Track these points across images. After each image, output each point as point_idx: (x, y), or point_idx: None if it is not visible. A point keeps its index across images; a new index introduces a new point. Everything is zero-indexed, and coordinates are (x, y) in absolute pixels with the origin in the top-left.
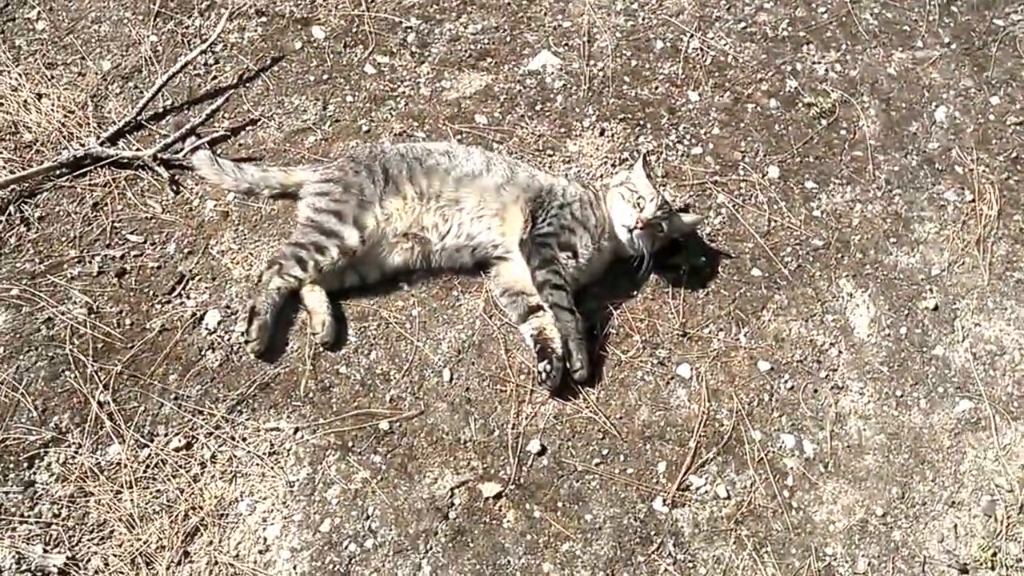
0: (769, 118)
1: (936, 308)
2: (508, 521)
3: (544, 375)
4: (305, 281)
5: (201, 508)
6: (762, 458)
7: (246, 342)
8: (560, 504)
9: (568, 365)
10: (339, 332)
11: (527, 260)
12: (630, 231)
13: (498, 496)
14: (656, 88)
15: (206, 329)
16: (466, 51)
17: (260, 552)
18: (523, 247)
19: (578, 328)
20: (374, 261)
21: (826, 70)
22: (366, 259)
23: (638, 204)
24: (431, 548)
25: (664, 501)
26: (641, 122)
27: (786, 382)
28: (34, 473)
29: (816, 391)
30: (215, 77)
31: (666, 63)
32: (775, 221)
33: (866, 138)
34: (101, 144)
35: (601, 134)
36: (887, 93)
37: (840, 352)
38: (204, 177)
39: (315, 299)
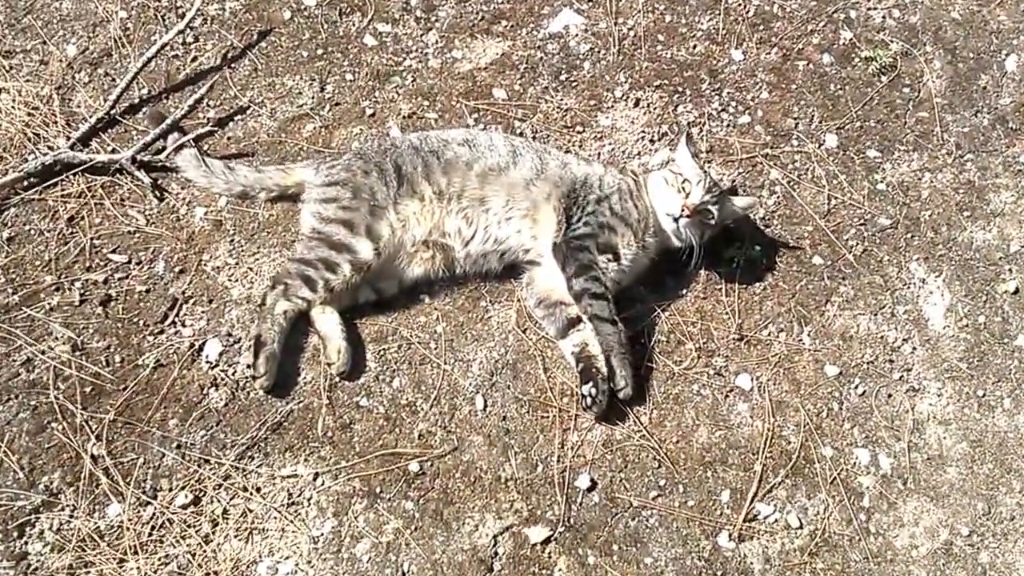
0: (823, 77)
1: (1017, 291)
2: (560, 570)
3: (589, 400)
4: (315, 302)
5: (217, 574)
6: (835, 478)
7: (253, 377)
8: (616, 547)
9: (612, 384)
10: (356, 359)
11: (562, 267)
12: (676, 220)
13: (547, 541)
14: (694, 47)
15: (206, 362)
16: (478, 13)
17: None
18: (556, 252)
19: (621, 341)
20: (391, 274)
21: (883, 17)
22: (382, 272)
23: (683, 189)
24: None
25: (730, 535)
26: (679, 88)
27: (856, 387)
28: (26, 543)
29: (890, 396)
30: (195, 58)
31: (704, 17)
32: (836, 198)
33: (932, 96)
34: (72, 147)
35: (635, 105)
36: (952, 42)
37: (914, 349)
38: (191, 180)
39: (328, 323)
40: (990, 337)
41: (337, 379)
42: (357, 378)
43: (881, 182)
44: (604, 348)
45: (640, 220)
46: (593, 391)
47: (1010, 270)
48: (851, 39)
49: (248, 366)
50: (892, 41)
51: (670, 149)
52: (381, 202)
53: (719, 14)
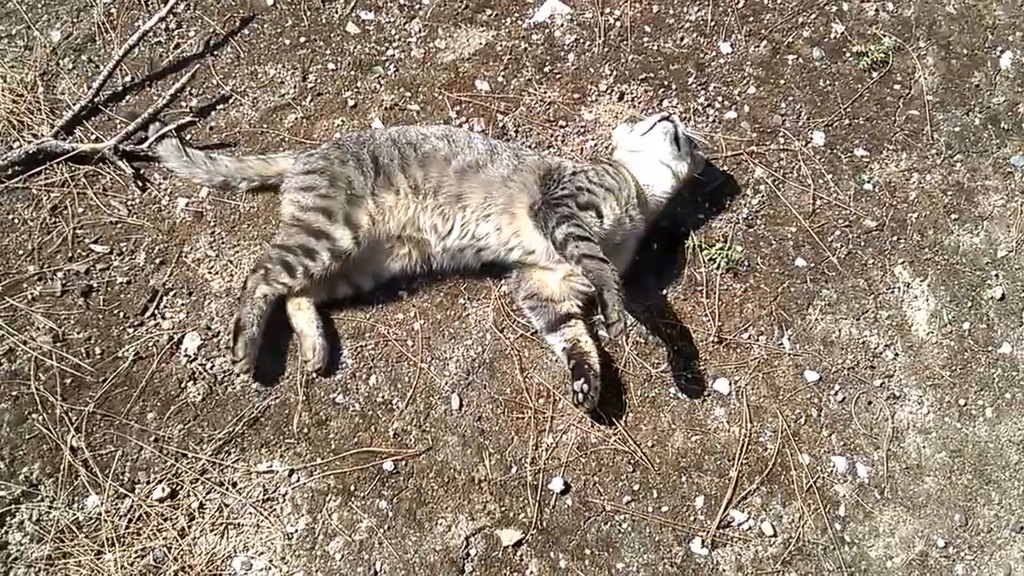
0: (812, 72)
1: (1003, 297)
2: (531, 573)
3: (581, 396)
4: (295, 288)
5: (192, 568)
6: (811, 486)
7: (233, 362)
8: (588, 551)
9: (604, 317)
10: (333, 355)
11: (543, 225)
12: (674, 138)
13: (519, 544)
14: (682, 39)
15: (185, 356)
16: (462, 1)
17: None
18: (535, 215)
19: (615, 278)
20: (368, 269)
21: (876, 10)
22: (359, 266)
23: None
24: None
25: (703, 542)
26: (665, 82)
27: (836, 394)
28: (6, 533)
29: (870, 403)
30: (178, 45)
31: (693, 7)
32: (821, 198)
33: (923, 93)
34: (55, 136)
35: (620, 99)
36: (946, 37)
37: (896, 355)
38: (172, 170)
39: (304, 319)
40: (974, 344)
41: (314, 376)
42: (334, 375)
43: (868, 182)
44: (596, 284)
45: (622, 189)
46: (585, 387)
47: (996, 276)
48: (843, 33)
49: (228, 349)
50: (885, 35)
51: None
52: (359, 191)
53: (708, 5)
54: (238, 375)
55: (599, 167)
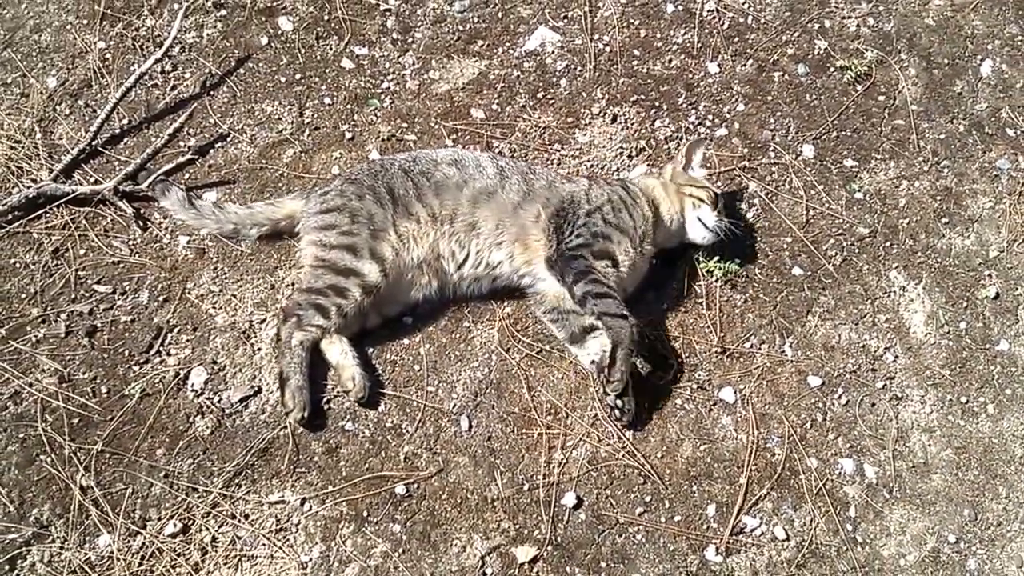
0: (798, 87)
1: (997, 296)
2: None
3: (618, 412)
4: (330, 329)
5: None
6: (820, 489)
7: (285, 413)
8: (603, 564)
9: (606, 374)
10: (373, 382)
11: (560, 278)
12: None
13: (534, 560)
14: (670, 61)
15: (192, 391)
16: (454, 33)
17: None
18: (552, 266)
19: (632, 336)
20: (395, 298)
21: (858, 25)
22: (386, 298)
23: (716, 203)
24: None
25: (717, 549)
26: (656, 103)
27: (840, 397)
28: None
29: (874, 405)
30: (174, 87)
31: (679, 30)
32: (814, 208)
33: (907, 103)
34: (55, 179)
35: (613, 121)
36: (927, 48)
37: (896, 357)
38: (182, 222)
39: (337, 351)
40: (972, 343)
41: (357, 406)
42: (377, 405)
43: (858, 191)
44: (613, 340)
45: (637, 228)
46: (619, 403)
47: (990, 275)
48: (826, 48)
49: (279, 403)
50: (867, 49)
51: (675, 161)
52: (380, 225)
53: (694, 27)
54: (294, 425)
55: (615, 198)
